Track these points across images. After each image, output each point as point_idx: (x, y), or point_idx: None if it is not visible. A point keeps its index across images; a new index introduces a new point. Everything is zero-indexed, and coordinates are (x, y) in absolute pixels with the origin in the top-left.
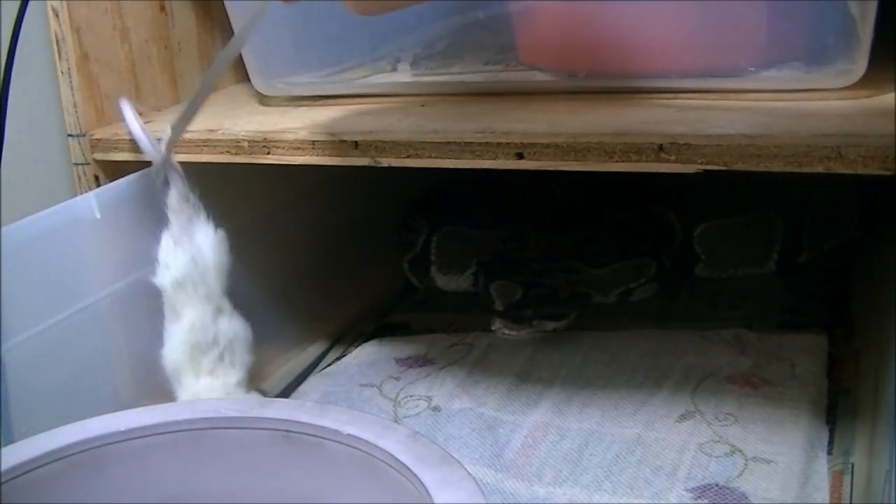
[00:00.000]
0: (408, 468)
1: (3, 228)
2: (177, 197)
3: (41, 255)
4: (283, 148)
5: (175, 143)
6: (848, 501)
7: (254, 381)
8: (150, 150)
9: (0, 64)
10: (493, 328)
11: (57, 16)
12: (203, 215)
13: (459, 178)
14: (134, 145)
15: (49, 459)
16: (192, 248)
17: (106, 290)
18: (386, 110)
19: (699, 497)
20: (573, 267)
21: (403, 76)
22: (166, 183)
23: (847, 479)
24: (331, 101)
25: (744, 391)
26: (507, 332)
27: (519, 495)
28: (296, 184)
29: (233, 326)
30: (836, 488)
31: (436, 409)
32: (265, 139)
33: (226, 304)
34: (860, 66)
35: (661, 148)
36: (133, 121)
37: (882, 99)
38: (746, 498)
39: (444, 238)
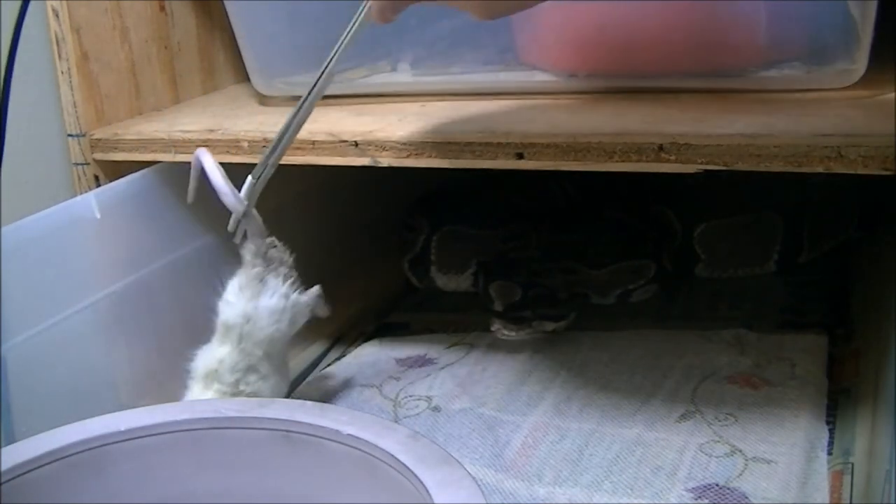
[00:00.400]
0: (408, 468)
1: (3, 228)
2: (252, 252)
3: (41, 255)
4: None
5: (257, 194)
6: (848, 501)
7: None
8: (233, 201)
9: (0, 64)
10: (491, 329)
11: (57, 16)
12: (281, 275)
13: (459, 178)
14: (140, 147)
15: (49, 459)
16: (249, 307)
17: (106, 290)
18: (386, 110)
19: (699, 497)
20: (572, 268)
21: (403, 76)
22: (245, 236)
23: (847, 479)
24: (331, 101)
25: (744, 391)
26: (505, 332)
27: (519, 495)
28: (296, 184)
29: (259, 386)
30: (836, 488)
31: (436, 409)
32: (265, 139)
33: (264, 368)
34: (860, 66)
35: (661, 148)
36: (214, 170)
37: (882, 99)
38: (746, 498)
39: (444, 238)
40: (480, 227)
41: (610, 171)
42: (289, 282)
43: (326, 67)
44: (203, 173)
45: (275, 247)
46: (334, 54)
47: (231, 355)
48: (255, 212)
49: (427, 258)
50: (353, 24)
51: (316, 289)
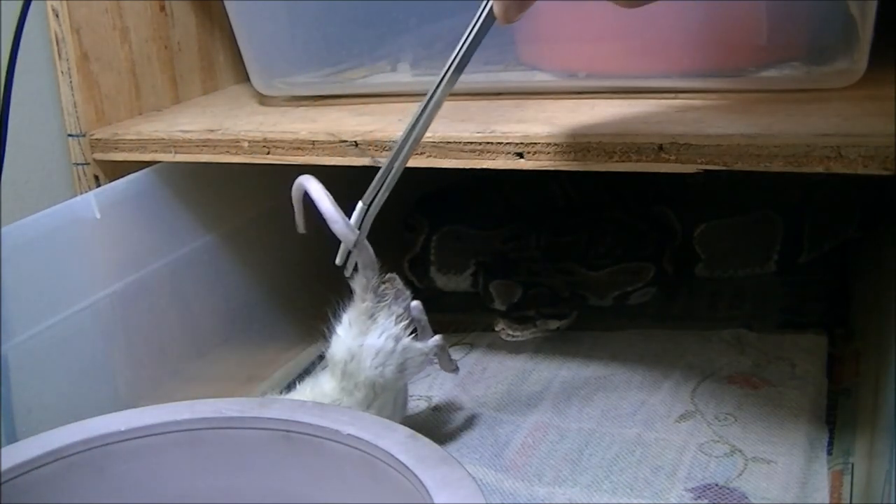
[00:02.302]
0: (408, 468)
1: (3, 228)
2: (362, 285)
3: (41, 255)
4: (283, 148)
5: (370, 223)
6: (848, 501)
7: (253, 381)
8: (344, 230)
9: (1, 64)
10: (496, 328)
11: (57, 16)
12: (394, 314)
13: (459, 178)
14: (140, 147)
15: (49, 459)
16: (355, 345)
17: (106, 290)
18: (386, 110)
19: (699, 497)
20: (569, 269)
21: (403, 76)
22: (356, 268)
23: (847, 479)
24: (331, 101)
25: (744, 391)
26: (510, 332)
27: (519, 495)
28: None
29: None
30: (836, 488)
31: (436, 409)
32: (265, 139)
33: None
34: (860, 65)
35: (661, 148)
36: (322, 196)
37: (882, 99)
38: (746, 498)
39: (444, 238)
40: (480, 227)
41: (610, 171)
42: (402, 324)
43: (446, 74)
44: (308, 199)
45: (386, 282)
46: (454, 59)
47: (334, 392)
48: (366, 242)
49: (427, 258)
50: (474, 25)
51: (437, 338)
